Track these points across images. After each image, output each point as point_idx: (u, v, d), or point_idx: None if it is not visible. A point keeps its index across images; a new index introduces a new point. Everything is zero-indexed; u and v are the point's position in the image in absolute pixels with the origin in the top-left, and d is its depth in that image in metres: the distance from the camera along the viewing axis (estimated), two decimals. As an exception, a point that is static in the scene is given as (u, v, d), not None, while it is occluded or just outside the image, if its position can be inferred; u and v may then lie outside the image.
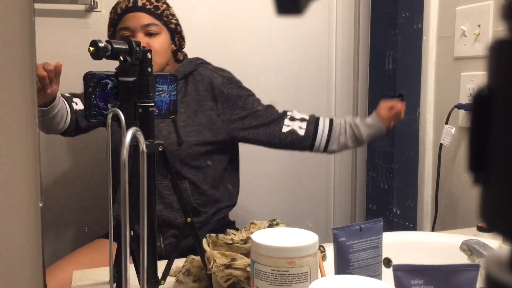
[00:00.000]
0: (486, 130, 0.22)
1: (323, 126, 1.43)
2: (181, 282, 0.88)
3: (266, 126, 1.43)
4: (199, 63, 1.47)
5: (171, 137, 1.37)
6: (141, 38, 1.35)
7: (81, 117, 1.39)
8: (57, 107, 1.28)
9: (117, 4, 1.40)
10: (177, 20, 1.44)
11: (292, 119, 1.44)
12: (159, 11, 1.39)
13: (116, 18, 1.39)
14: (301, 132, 1.42)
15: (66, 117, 1.34)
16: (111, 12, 1.41)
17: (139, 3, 1.37)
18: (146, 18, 1.36)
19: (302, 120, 1.44)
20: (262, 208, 1.96)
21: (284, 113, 1.45)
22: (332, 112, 2.03)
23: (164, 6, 1.41)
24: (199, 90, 1.42)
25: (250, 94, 1.48)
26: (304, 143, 1.43)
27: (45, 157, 1.72)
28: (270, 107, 1.47)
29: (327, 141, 1.43)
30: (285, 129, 1.42)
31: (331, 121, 1.45)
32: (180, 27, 1.46)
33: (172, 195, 1.37)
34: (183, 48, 1.50)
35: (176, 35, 1.45)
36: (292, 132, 1.42)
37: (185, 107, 1.40)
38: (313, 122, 1.44)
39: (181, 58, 1.50)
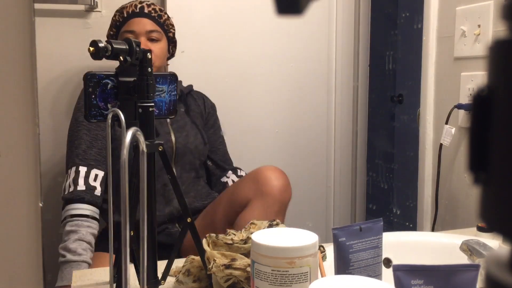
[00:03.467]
0: (486, 130, 0.22)
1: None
2: (181, 282, 0.88)
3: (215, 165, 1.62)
4: (191, 87, 1.65)
5: (198, 138, 1.53)
6: (143, 42, 1.46)
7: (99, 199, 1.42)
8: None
9: (123, 8, 1.50)
10: (174, 30, 1.58)
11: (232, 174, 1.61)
12: (161, 20, 1.51)
13: (121, 21, 1.49)
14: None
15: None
16: (115, 14, 1.51)
17: (145, 10, 1.48)
18: (150, 25, 1.48)
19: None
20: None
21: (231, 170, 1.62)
22: (332, 112, 2.03)
23: (166, 16, 1.54)
24: (198, 105, 1.61)
25: (223, 137, 1.67)
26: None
27: (45, 157, 1.72)
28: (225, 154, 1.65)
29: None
30: (223, 179, 1.60)
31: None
32: (175, 37, 1.60)
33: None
34: (174, 56, 1.65)
35: (171, 44, 1.59)
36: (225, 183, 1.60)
37: (194, 114, 1.58)
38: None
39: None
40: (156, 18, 1.49)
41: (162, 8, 1.55)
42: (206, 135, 1.58)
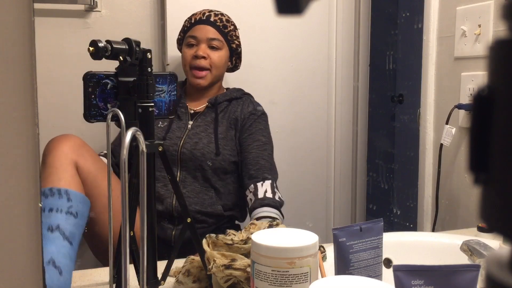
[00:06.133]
0: (487, 130, 0.22)
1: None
2: (181, 282, 0.88)
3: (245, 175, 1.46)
4: (245, 93, 1.61)
5: (210, 146, 1.47)
6: (204, 48, 1.51)
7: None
8: None
9: (193, 15, 1.57)
10: (239, 42, 1.60)
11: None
12: (226, 30, 1.55)
13: (188, 26, 1.56)
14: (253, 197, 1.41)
15: None
16: (186, 20, 1.58)
17: (211, 19, 1.53)
18: (212, 33, 1.52)
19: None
20: (262, 208, 1.95)
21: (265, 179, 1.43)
22: (332, 112, 2.03)
23: (232, 27, 1.57)
24: (236, 112, 1.53)
25: (265, 142, 1.50)
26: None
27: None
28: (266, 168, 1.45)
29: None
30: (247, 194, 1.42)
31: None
32: (241, 49, 1.62)
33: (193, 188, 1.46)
34: (238, 68, 1.66)
35: (235, 55, 1.61)
36: (253, 195, 1.41)
37: (224, 122, 1.51)
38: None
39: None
40: (221, 27, 1.53)
41: (231, 19, 1.58)
42: (239, 141, 1.50)
